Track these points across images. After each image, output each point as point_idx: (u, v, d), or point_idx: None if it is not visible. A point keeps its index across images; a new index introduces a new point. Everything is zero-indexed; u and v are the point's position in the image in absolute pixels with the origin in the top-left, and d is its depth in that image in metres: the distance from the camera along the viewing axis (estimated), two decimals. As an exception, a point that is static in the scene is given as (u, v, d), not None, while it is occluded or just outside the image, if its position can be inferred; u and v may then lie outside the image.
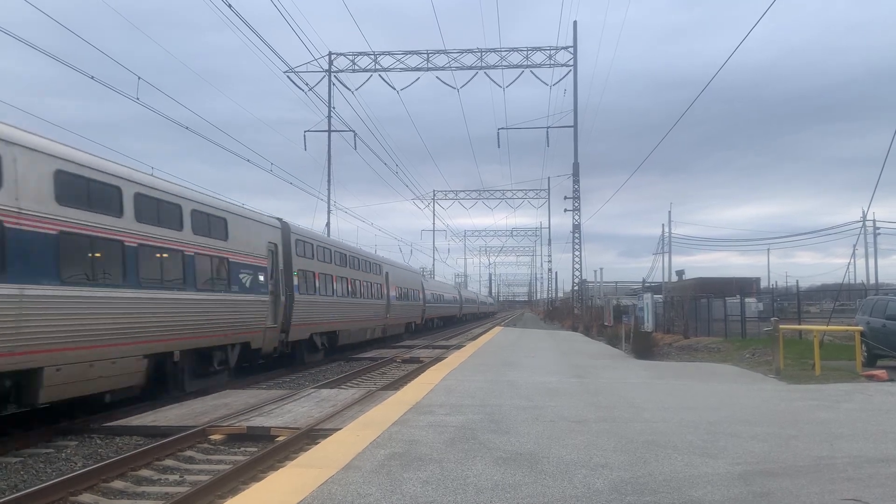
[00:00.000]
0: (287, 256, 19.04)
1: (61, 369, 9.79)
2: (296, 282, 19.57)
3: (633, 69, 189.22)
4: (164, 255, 12.81)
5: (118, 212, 11.45)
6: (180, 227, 13.39)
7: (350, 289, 25.77)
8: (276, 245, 18.28)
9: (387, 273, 32.75)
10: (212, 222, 14.78)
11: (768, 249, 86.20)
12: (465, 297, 74.99)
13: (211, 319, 14.32)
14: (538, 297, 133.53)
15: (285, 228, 19.37)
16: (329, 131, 42.78)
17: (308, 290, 20.69)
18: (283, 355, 19.16)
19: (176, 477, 7.91)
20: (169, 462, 8.50)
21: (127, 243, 11.49)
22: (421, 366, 19.54)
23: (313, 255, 21.59)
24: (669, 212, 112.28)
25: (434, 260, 79.58)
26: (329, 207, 43.29)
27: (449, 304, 58.88)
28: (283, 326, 18.54)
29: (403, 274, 38.98)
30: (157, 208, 12.82)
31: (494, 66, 39.75)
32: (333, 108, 41.98)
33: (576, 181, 44.66)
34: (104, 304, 10.78)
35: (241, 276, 15.79)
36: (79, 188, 10.60)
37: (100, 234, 10.84)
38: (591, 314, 45.34)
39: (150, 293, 12.01)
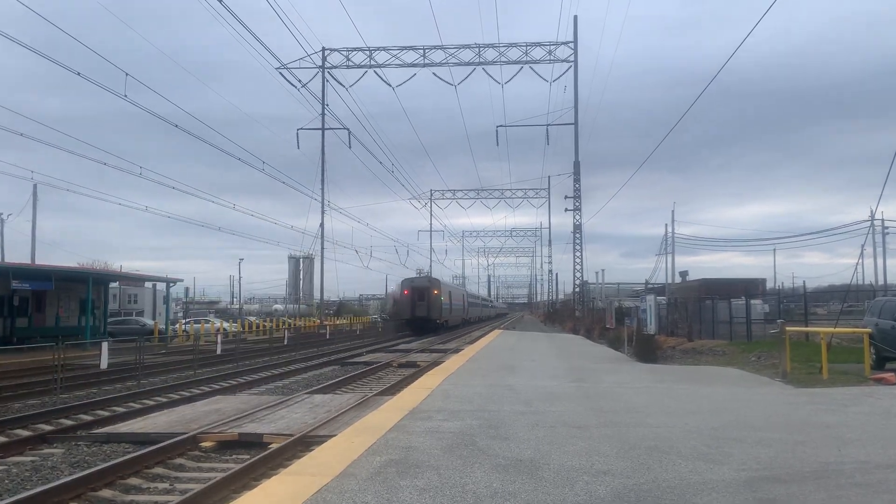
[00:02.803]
0: (462, 295, 65.56)
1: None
2: (466, 304, 65.97)
3: (639, 64, 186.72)
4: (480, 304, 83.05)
5: (467, 304, 68.74)
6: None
7: (474, 306, 72.97)
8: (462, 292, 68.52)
9: (465, 295, 76.40)
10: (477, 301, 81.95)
11: (774, 249, 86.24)
12: (494, 304, 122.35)
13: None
14: (538, 298, 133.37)
15: (462, 286, 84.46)
16: (322, 129, 42.59)
17: (468, 307, 65.99)
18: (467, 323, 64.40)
19: (165, 485, 7.76)
20: (158, 470, 8.35)
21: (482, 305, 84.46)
22: (418, 370, 19.39)
23: (457, 293, 62.67)
24: (672, 211, 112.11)
25: (431, 262, 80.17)
26: (323, 207, 43.36)
27: (490, 308, 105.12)
28: (465, 314, 64.20)
29: (482, 298, 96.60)
30: (478, 301, 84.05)
31: (493, 63, 39.40)
32: (327, 105, 41.82)
33: (576, 180, 44.42)
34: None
35: (457, 304, 60.14)
36: (475, 302, 79.28)
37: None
38: (592, 316, 45.09)
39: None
